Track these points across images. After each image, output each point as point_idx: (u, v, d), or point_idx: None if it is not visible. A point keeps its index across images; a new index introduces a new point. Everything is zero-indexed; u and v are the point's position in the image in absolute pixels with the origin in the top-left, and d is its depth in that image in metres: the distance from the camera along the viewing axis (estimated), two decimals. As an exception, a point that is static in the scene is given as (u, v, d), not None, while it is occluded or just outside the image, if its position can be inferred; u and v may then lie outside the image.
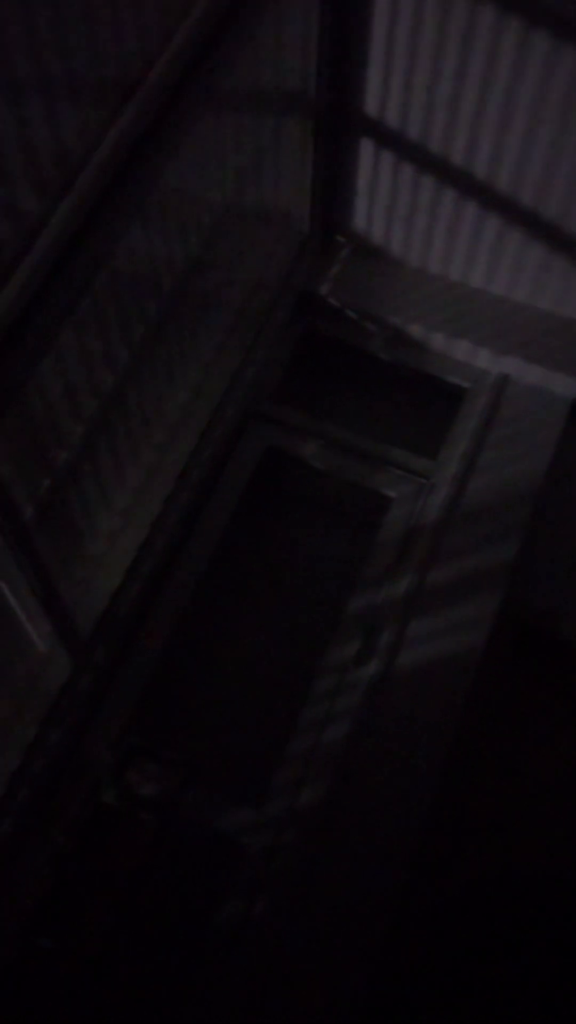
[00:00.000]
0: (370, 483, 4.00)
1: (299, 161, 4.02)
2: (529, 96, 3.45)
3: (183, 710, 3.65)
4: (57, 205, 2.46)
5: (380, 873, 3.31)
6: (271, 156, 3.78)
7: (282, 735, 3.55)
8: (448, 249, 4.19)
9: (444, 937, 3.49)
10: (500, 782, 3.68)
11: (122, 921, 3.32)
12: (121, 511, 3.56)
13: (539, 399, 4.10)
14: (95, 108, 2.52)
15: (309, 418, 4.12)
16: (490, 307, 4.22)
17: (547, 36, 3.24)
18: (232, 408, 4.01)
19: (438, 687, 3.56)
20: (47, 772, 3.36)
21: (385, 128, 3.83)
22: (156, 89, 2.68)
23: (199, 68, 2.82)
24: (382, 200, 4.13)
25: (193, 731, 3.62)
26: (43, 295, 2.44)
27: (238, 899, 3.28)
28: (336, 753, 3.45)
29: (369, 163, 4.00)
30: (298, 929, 3.23)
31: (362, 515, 4.00)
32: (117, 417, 3.26)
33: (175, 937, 3.33)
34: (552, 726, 3.77)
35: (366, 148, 3.95)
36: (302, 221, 4.30)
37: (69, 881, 3.33)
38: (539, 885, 3.58)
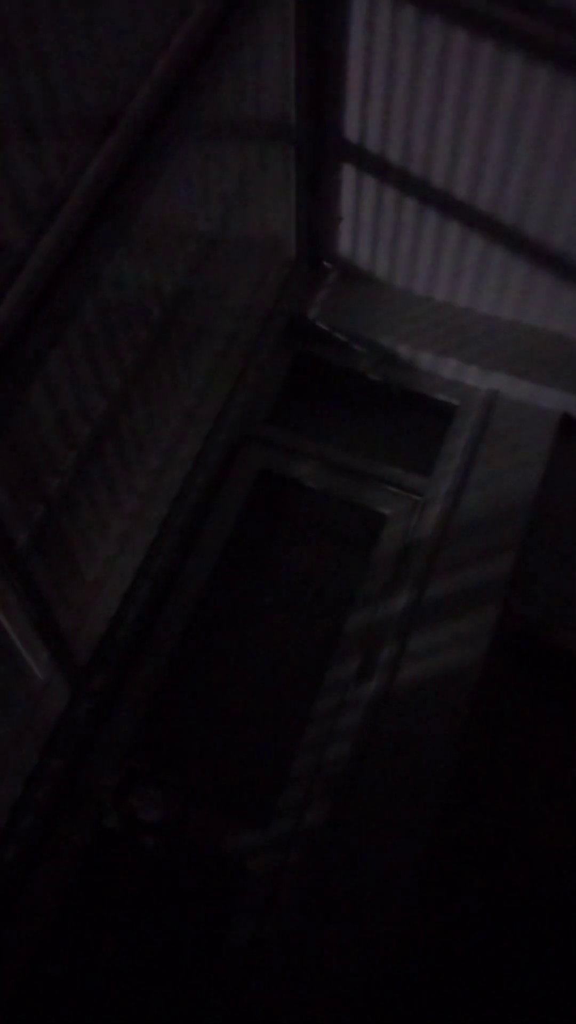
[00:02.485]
0: (364, 501, 4.01)
1: (283, 188, 4.07)
2: (506, 115, 3.50)
3: (184, 733, 3.64)
4: (40, 236, 2.50)
5: (388, 891, 3.29)
6: (255, 184, 3.82)
7: (284, 755, 3.54)
8: (433, 270, 4.23)
9: (452, 955, 3.46)
10: (505, 794, 3.67)
11: (128, 946, 3.29)
12: (117, 536, 3.57)
13: (528, 413, 4.12)
14: (77, 140, 2.56)
15: (302, 439, 4.13)
16: (477, 325, 4.26)
17: (520, 58, 3.30)
18: (225, 432, 4.04)
19: (440, 701, 3.56)
20: (49, 799, 3.35)
21: (366, 152, 3.88)
22: (137, 120, 2.72)
23: (179, 99, 2.86)
24: (366, 224, 4.17)
25: (195, 754, 3.60)
26: (28, 325, 2.47)
27: (246, 922, 3.25)
28: (339, 772, 3.44)
29: (352, 188, 4.05)
30: (307, 950, 3.20)
31: (357, 533, 4.01)
32: (110, 443, 3.28)
33: (182, 961, 3.30)
34: (555, 734, 3.76)
35: (348, 173, 4.00)
36: (288, 247, 4.35)
37: (74, 907, 3.31)
38: (547, 900, 3.56)
